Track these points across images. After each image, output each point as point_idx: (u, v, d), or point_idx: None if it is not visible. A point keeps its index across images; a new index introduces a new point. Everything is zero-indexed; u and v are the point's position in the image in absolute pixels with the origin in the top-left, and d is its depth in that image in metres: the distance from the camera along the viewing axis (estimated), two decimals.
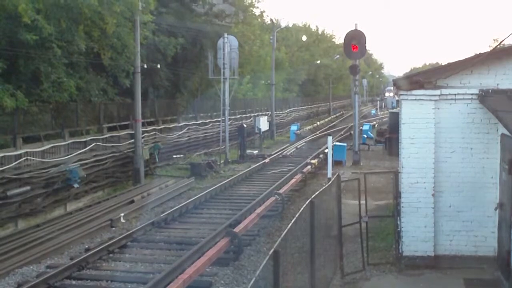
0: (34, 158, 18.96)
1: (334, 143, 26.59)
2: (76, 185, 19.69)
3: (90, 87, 25.50)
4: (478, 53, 12.24)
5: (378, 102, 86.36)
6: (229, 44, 29.29)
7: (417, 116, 11.49)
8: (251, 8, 46.77)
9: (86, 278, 12.17)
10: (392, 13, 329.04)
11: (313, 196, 9.31)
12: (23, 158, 18.38)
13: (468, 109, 11.41)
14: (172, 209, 17.57)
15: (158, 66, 29.32)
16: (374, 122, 51.68)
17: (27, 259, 13.30)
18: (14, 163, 17.86)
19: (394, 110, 34.48)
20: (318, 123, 57.17)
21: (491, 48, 13.69)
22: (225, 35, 29.79)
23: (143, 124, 25.70)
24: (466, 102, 11.41)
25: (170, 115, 32.48)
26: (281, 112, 54.12)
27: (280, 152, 32.87)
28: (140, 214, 18.39)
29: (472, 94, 11.33)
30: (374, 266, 11.81)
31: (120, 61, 24.41)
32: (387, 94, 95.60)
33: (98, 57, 23.65)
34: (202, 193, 19.88)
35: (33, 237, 15.19)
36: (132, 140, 24.53)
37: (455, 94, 11.42)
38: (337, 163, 26.11)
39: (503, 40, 14.59)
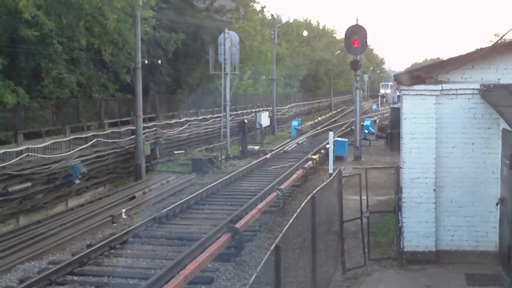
0: (35, 154, 18.97)
1: (335, 139, 26.58)
2: (77, 181, 19.72)
3: (91, 83, 25.55)
4: (479, 48, 12.21)
5: (379, 98, 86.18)
6: (230, 39, 29.24)
7: (418, 111, 11.48)
8: (252, 3, 46.78)
9: (88, 274, 12.18)
10: (393, 8, 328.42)
11: (314, 192, 9.31)
12: (24, 154, 18.40)
13: (469, 104, 11.39)
14: (174, 205, 17.57)
15: (159, 61, 29.32)
16: (375, 118, 51.63)
17: (29, 255, 13.32)
18: (15, 159, 17.87)
19: (395, 106, 34.45)
20: (319, 118, 57.15)
21: (492, 43, 13.65)
22: (226, 30, 29.74)
23: (144, 120, 25.69)
24: (467, 97, 11.39)
25: (171, 111, 32.48)
26: (282, 108, 54.12)
27: (281, 148, 32.88)
28: (142, 210, 18.40)
29: (473, 89, 11.31)
30: (376, 262, 11.81)
31: (121, 57, 24.39)
32: (382, 90, 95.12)
33: (99, 53, 23.65)
34: (203, 189, 19.88)
35: (34, 233, 15.20)
36: (133, 136, 24.54)
37: (456, 89, 11.40)
38: (338, 159, 26.11)
39: (504, 35, 14.58)
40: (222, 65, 29.41)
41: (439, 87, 11.40)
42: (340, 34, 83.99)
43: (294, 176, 21.31)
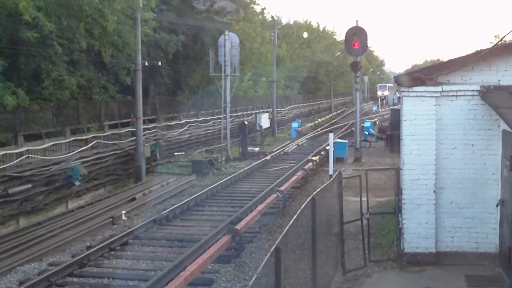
0: (36, 156, 18.97)
1: (336, 140, 26.57)
2: (77, 183, 19.72)
3: (91, 85, 25.55)
4: (479, 49, 12.21)
5: (379, 100, 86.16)
6: (230, 41, 29.26)
7: (418, 112, 11.48)
8: (252, 5, 46.79)
9: (88, 276, 12.19)
10: (393, 9, 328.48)
11: (314, 193, 9.31)
12: (25, 156, 18.40)
13: (469, 106, 11.39)
14: (174, 207, 17.58)
15: (159, 63, 29.31)
16: (376, 119, 51.64)
17: (29, 257, 13.31)
18: (15, 161, 17.88)
19: (395, 107, 34.47)
20: (319, 120, 57.15)
21: (492, 45, 13.65)
22: (226, 32, 29.75)
23: (144, 122, 25.70)
24: (467, 98, 11.39)
25: (171, 113, 32.49)
26: (282, 109, 54.13)
27: (281, 149, 32.87)
28: (142, 211, 18.40)
29: (473, 90, 11.32)
30: (376, 263, 11.81)
31: (121, 59, 24.41)
32: (379, 92, 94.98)
33: (99, 55, 23.65)
34: (203, 191, 19.89)
35: (34, 235, 15.20)
36: (134, 138, 24.54)
37: (456, 91, 11.41)
38: (338, 160, 26.10)
39: (504, 37, 14.58)
40: (223, 66, 29.42)
41: (439, 88, 11.40)
42: (340, 36, 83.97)
43: (294, 177, 21.31)
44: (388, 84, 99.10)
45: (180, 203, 18.15)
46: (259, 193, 19.14)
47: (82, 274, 12.23)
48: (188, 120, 32.94)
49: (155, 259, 13.28)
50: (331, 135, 20.69)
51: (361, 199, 12.04)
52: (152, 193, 20.68)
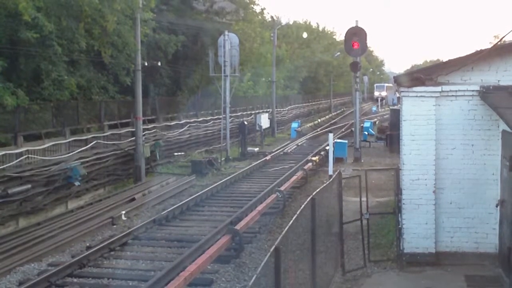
0: (35, 156, 18.96)
1: (335, 140, 26.57)
2: (77, 183, 19.71)
3: (90, 85, 25.54)
4: (479, 49, 12.22)
5: (378, 100, 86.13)
6: (229, 41, 29.27)
7: (418, 113, 11.48)
8: (252, 6, 46.81)
9: (88, 276, 12.19)
10: (393, 9, 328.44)
11: (314, 193, 9.31)
12: (24, 156, 18.39)
13: (469, 106, 11.40)
14: (173, 207, 17.58)
15: (159, 63, 29.31)
16: (375, 119, 51.66)
17: (29, 257, 13.31)
18: (15, 161, 17.86)
19: (395, 107, 34.48)
20: (319, 120, 57.16)
21: (492, 45, 13.66)
22: (226, 32, 29.76)
23: (144, 122, 25.70)
24: (467, 98, 11.40)
25: (171, 113, 32.47)
26: (282, 110, 54.12)
27: (281, 149, 32.87)
28: (141, 211, 18.40)
29: (473, 90, 11.32)
30: (375, 263, 11.81)
31: (120, 59, 24.40)
32: (376, 92, 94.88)
33: (99, 55, 23.64)
34: (203, 191, 19.89)
35: (34, 235, 15.20)
36: (133, 138, 24.53)
37: (456, 91, 11.41)
38: (338, 160, 26.11)
39: (503, 37, 14.61)
40: (222, 67, 29.43)
41: (438, 88, 11.41)
42: (340, 36, 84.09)
43: (294, 177, 21.31)
44: (386, 84, 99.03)
45: (180, 203, 18.16)
46: (259, 193, 19.15)
47: (82, 275, 12.23)
48: (188, 121, 32.92)
49: (154, 259, 13.28)
50: (330, 135, 20.70)
51: (360, 199, 12.05)
52: (152, 193, 20.68)
